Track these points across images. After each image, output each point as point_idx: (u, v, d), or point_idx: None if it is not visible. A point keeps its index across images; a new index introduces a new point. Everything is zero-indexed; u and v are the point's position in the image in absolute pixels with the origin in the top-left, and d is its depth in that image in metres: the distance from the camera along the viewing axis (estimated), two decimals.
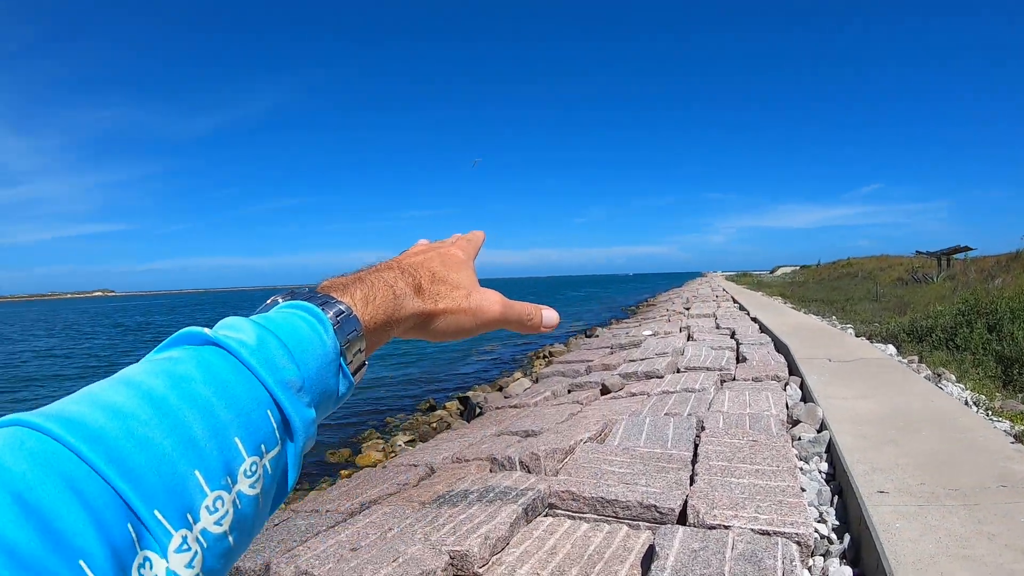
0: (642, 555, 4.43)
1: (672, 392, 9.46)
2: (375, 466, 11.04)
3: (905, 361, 11.04)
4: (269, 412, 0.62)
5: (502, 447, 7.30)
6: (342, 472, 11.30)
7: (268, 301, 0.80)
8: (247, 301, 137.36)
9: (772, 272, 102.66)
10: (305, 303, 0.76)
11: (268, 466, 0.62)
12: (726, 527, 4.50)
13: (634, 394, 9.89)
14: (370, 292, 0.83)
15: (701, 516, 4.62)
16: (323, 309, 0.76)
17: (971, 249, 32.26)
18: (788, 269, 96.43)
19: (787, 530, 4.42)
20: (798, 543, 4.31)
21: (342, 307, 0.78)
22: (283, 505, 7.22)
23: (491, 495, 5.46)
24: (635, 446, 6.50)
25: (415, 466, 7.32)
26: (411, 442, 12.43)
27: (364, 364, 0.86)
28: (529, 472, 6.32)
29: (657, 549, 4.12)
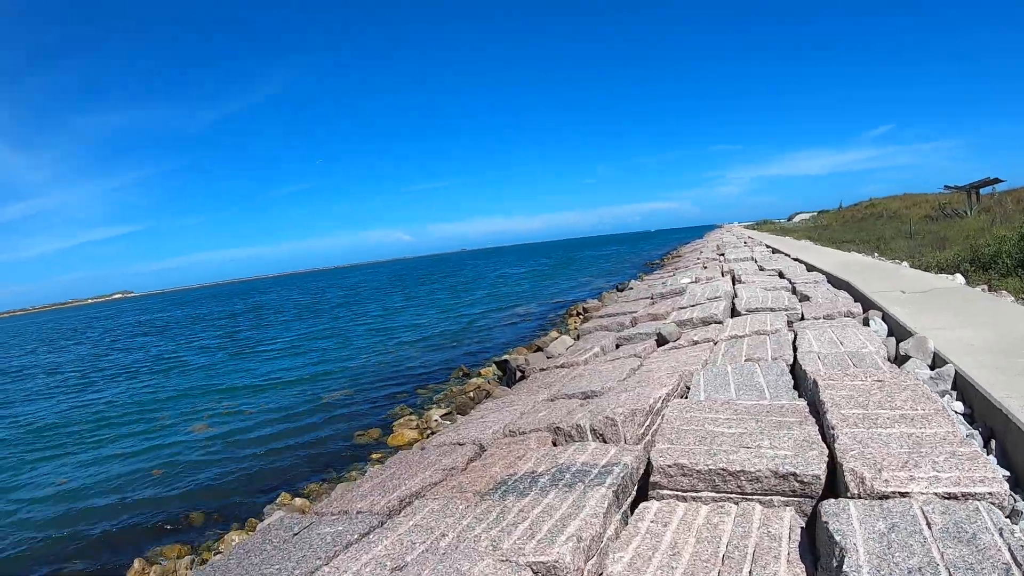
0: (797, 543, 3.20)
1: (742, 336, 8.30)
2: (411, 447, 9.88)
3: (978, 289, 10.06)
4: None
5: (563, 413, 6.06)
6: (372, 456, 10.15)
7: None
8: (258, 290, 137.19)
9: (790, 219, 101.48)
10: None
11: None
12: (903, 494, 3.27)
13: (696, 342, 8.70)
14: None
15: (868, 483, 3.37)
16: None
17: (1000, 181, 31.77)
18: (806, 215, 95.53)
19: (979, 489, 3.23)
20: (998, 506, 3.14)
21: None
22: (306, 503, 5.97)
23: (566, 476, 4.23)
24: (729, 399, 5.27)
25: (460, 444, 6.09)
26: (448, 415, 11.23)
27: None
28: (605, 441, 5.09)
29: (836, 536, 2.88)
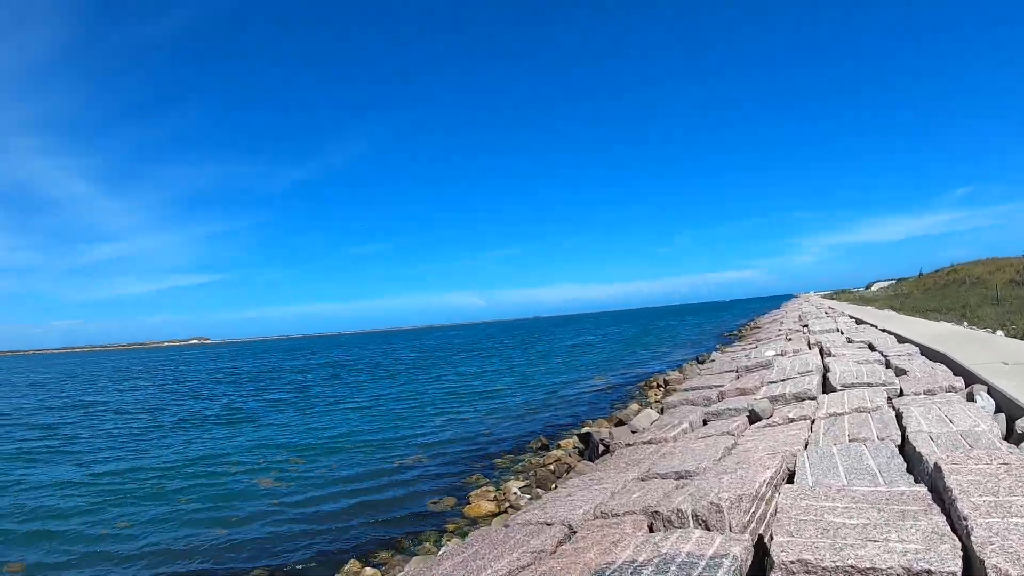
0: None
1: (841, 414, 7.90)
2: (488, 519, 9.52)
3: None
4: None
5: (660, 495, 5.69)
6: (448, 527, 9.78)
7: None
8: (332, 347, 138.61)
9: (868, 288, 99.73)
10: None
11: None
12: None
13: (792, 419, 8.29)
14: None
15: None
16: None
17: None
18: (884, 284, 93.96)
19: None
20: None
21: None
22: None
23: (671, 568, 3.87)
24: (841, 485, 4.86)
25: (548, 524, 5.76)
26: (527, 488, 10.86)
27: None
28: (708, 528, 4.71)
29: None
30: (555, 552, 5.00)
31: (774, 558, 3.57)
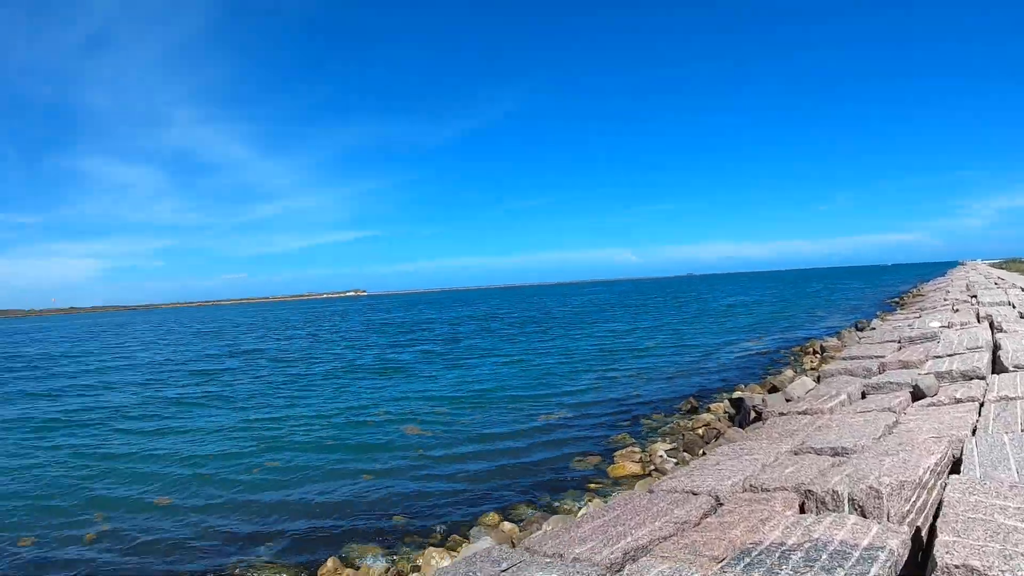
0: None
1: (1013, 398, 7.32)
2: (632, 482, 9.41)
3: None
4: None
5: (814, 473, 5.46)
6: (590, 486, 9.75)
7: None
8: (484, 300, 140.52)
9: None
10: None
11: None
12: None
13: (959, 400, 7.80)
14: None
15: None
16: None
17: None
18: None
19: None
20: None
21: None
22: (515, 530, 5.64)
23: (822, 557, 3.69)
24: (1014, 480, 4.52)
25: (694, 494, 5.63)
26: (673, 451, 10.71)
27: None
28: (864, 515, 4.47)
29: None
30: (699, 524, 4.89)
31: (937, 559, 3.33)
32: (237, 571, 8.06)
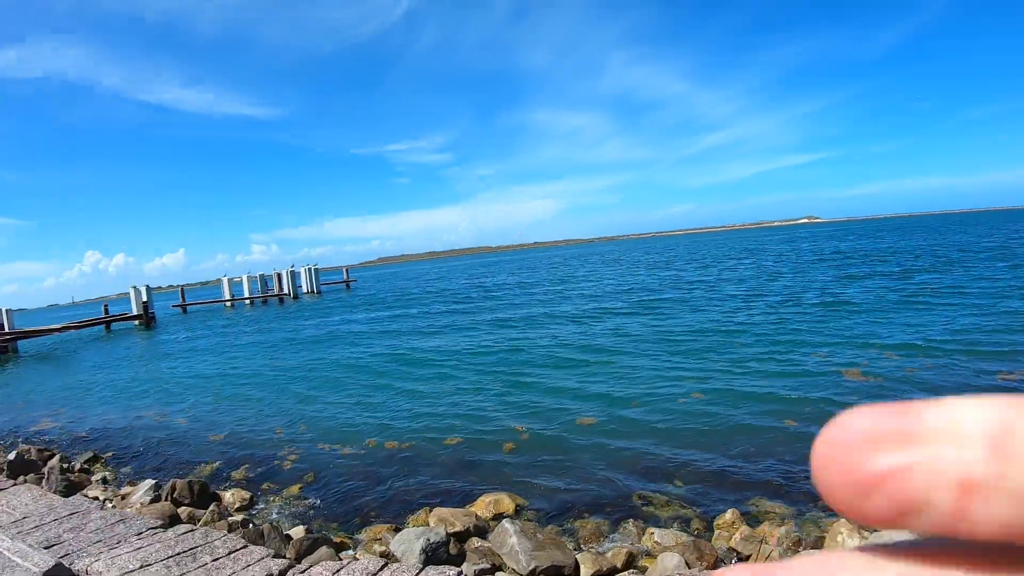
0: None
1: None
2: None
3: None
4: None
5: None
6: None
7: None
8: (948, 225, 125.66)
9: None
10: None
11: None
12: None
13: None
14: None
15: None
16: None
17: None
18: None
19: None
20: None
21: None
22: None
23: None
24: None
25: None
26: None
27: None
28: None
29: None
30: None
31: None
32: (638, 501, 8.05)
